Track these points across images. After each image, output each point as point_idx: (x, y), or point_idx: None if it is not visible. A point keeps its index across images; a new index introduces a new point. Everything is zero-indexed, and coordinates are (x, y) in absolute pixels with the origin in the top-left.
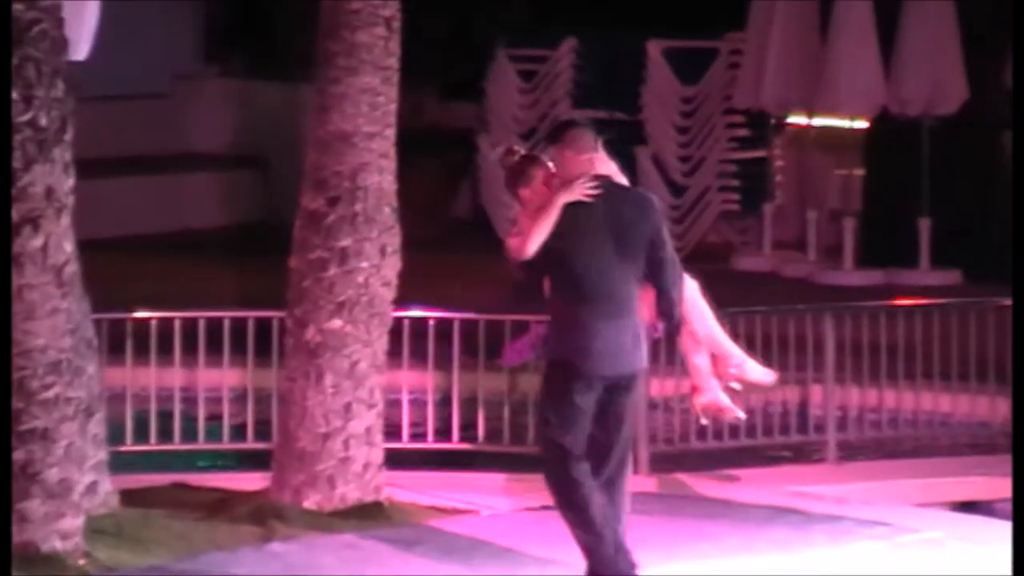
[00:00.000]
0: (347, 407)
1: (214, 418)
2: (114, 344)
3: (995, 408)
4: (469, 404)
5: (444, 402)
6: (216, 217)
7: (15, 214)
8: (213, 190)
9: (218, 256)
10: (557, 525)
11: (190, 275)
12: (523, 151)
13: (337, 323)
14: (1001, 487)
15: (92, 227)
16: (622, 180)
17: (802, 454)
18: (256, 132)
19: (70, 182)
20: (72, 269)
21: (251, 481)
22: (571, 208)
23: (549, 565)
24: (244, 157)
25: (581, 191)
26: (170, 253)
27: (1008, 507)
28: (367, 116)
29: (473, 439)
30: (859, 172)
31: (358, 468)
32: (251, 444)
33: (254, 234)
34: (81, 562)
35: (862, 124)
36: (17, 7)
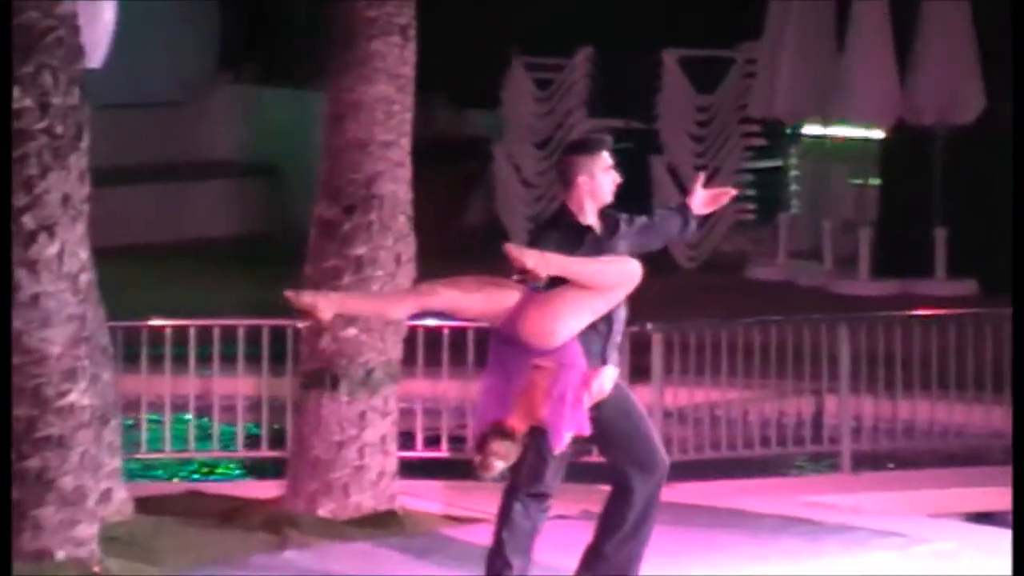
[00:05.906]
0: (362, 415)
1: (229, 426)
2: (129, 352)
3: (1010, 419)
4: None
5: (458, 411)
6: (230, 225)
7: (31, 221)
8: (226, 198)
9: (232, 264)
10: (570, 534)
11: (204, 283)
12: None
13: (352, 331)
14: None
15: (106, 235)
16: None
17: (816, 464)
18: (269, 140)
19: (85, 189)
20: (87, 276)
21: (265, 489)
22: None
23: (562, 573)
24: (257, 165)
25: None
26: (184, 261)
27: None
28: (382, 124)
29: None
30: (875, 182)
31: (372, 476)
32: (265, 452)
33: (268, 242)
34: (95, 569)
35: (878, 134)
36: (32, 15)
